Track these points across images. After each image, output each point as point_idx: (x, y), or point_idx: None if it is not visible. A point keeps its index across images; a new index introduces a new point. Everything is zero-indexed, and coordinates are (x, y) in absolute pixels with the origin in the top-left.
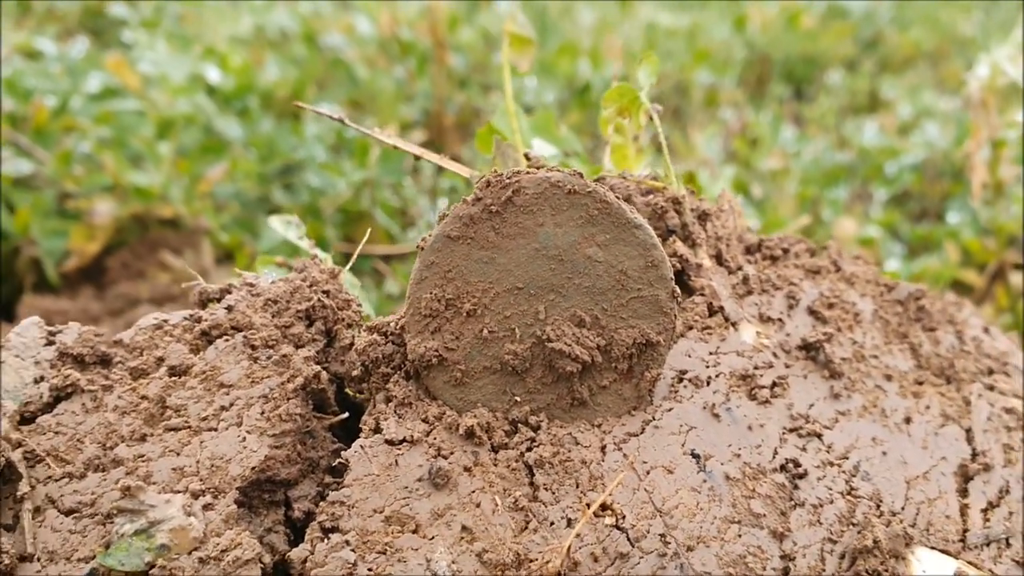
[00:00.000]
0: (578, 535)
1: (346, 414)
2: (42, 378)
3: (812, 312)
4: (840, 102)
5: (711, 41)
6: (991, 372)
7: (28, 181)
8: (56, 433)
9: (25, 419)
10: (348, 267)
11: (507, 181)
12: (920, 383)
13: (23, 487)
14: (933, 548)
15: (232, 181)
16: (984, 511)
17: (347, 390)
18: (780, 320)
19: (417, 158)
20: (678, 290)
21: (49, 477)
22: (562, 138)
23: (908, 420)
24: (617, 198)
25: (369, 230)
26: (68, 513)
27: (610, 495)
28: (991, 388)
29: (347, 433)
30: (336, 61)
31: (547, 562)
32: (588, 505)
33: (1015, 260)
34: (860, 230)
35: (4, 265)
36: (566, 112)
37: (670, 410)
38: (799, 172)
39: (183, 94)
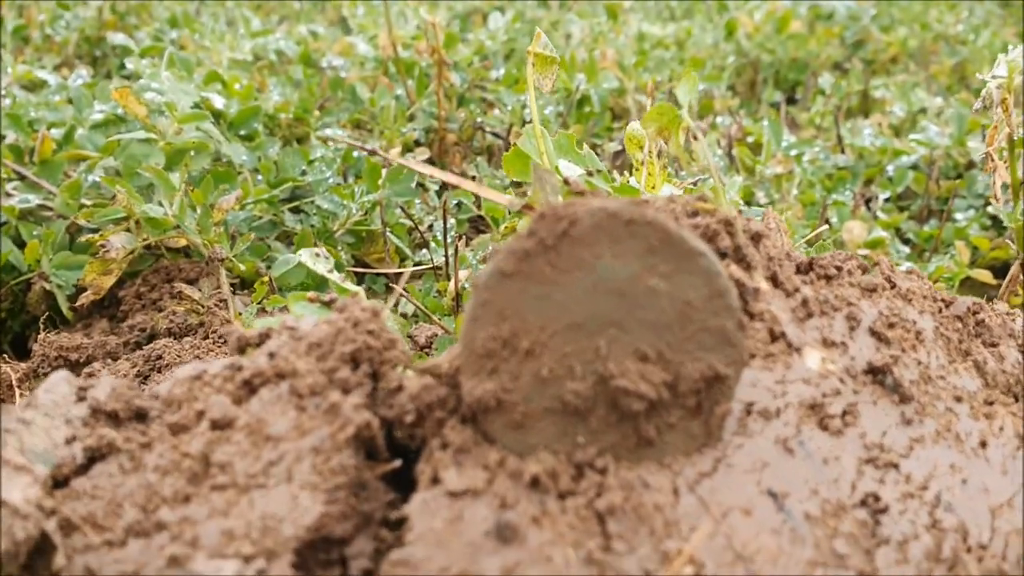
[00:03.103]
0: None
1: (399, 462)
2: (74, 438)
3: (874, 333)
4: (833, 104)
5: (700, 48)
6: None
7: (36, 213)
8: (93, 497)
9: (58, 483)
10: (390, 305)
11: (562, 213)
12: (990, 403)
13: (59, 560)
14: None
15: (242, 207)
16: None
17: (397, 434)
18: (843, 343)
19: (453, 187)
20: (745, 320)
21: (87, 546)
22: (583, 157)
23: (984, 444)
24: (678, 224)
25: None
26: None
27: (694, 547)
28: None
29: (397, 479)
30: (336, 81)
31: None
32: (666, 555)
33: None
34: (868, 233)
35: (15, 299)
36: (565, 126)
37: (741, 446)
38: (800, 176)
39: (191, 121)
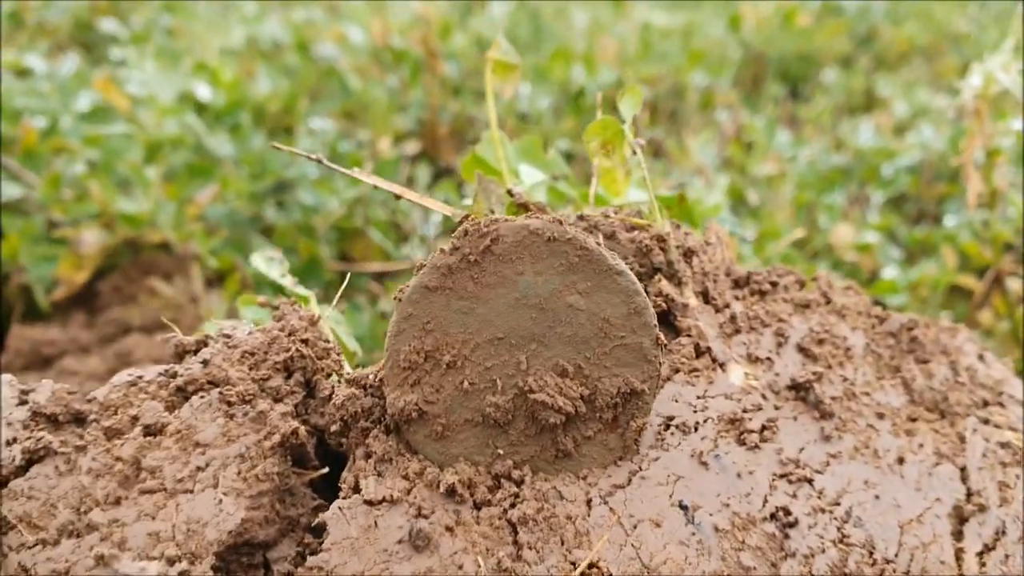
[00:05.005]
0: None
1: (326, 468)
2: (15, 440)
3: (802, 349)
4: (836, 101)
5: (706, 41)
6: (986, 404)
7: (17, 205)
8: (29, 498)
9: None
10: (332, 306)
11: (485, 230)
12: (913, 419)
13: None
14: None
15: (224, 201)
16: (980, 554)
17: (328, 442)
18: (769, 359)
19: (397, 197)
20: (662, 337)
21: (22, 544)
22: (549, 162)
23: (901, 460)
24: (598, 243)
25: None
26: None
27: (596, 555)
28: (986, 422)
29: (329, 485)
30: (329, 71)
31: None
32: (574, 564)
33: (1012, 269)
34: (857, 236)
35: None
36: (561, 118)
37: (657, 459)
38: (795, 176)
39: (171, 114)
